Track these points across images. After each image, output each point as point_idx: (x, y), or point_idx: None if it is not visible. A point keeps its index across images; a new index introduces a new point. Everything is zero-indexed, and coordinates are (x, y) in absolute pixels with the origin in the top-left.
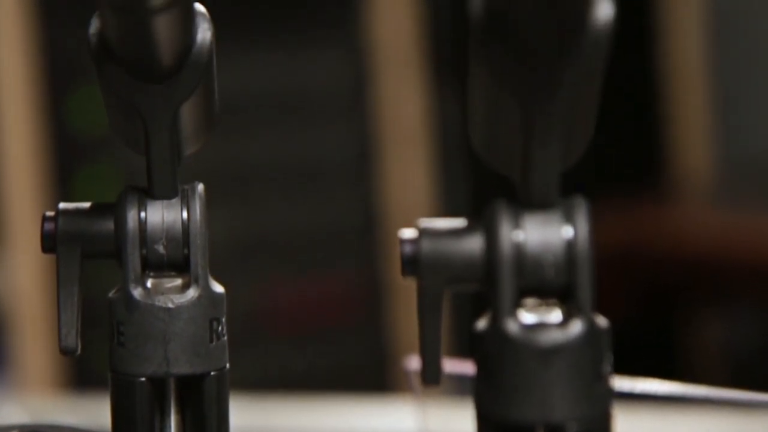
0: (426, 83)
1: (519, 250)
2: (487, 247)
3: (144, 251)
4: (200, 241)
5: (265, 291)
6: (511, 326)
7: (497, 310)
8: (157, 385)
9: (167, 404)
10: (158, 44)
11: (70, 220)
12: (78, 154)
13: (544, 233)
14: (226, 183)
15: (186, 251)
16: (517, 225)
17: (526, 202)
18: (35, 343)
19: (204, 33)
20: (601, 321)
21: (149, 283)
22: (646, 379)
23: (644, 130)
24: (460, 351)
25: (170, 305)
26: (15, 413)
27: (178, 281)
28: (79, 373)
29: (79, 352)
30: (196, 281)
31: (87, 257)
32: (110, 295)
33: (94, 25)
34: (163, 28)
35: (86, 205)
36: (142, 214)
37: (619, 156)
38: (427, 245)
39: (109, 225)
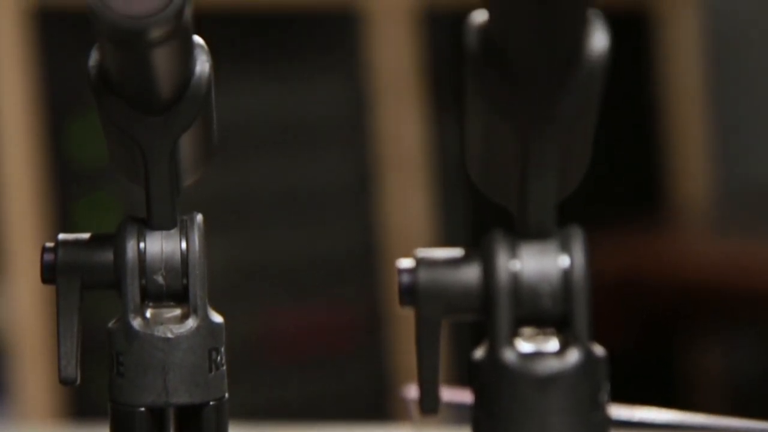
0: (425, 110)
1: (516, 280)
2: (485, 277)
3: (143, 282)
4: (199, 272)
5: (264, 318)
6: (509, 355)
7: (494, 339)
8: (157, 414)
9: None
10: (157, 76)
11: (70, 251)
12: (78, 183)
13: (540, 263)
14: (226, 210)
15: (185, 281)
16: (513, 255)
17: (522, 232)
18: (35, 373)
19: (202, 65)
20: (598, 350)
21: (148, 314)
22: (645, 407)
23: (643, 158)
24: (460, 379)
25: (169, 335)
26: None
27: (177, 311)
28: (79, 403)
29: (78, 382)
30: (195, 311)
31: (87, 288)
32: (110, 325)
33: (94, 57)
34: (162, 60)
35: (86, 235)
36: (141, 245)
37: (618, 183)
38: (424, 275)
39: (109, 256)
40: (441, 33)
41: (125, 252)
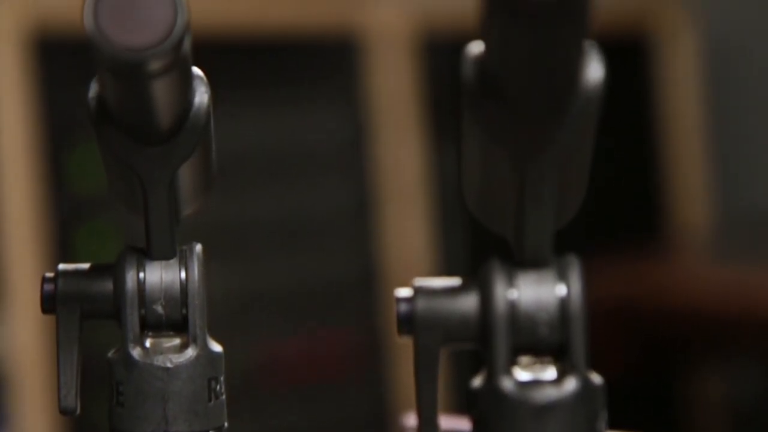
0: (424, 138)
1: (513, 309)
2: (482, 306)
3: (143, 311)
4: (198, 302)
5: (264, 347)
6: (507, 384)
7: (492, 367)
8: None
9: None
10: (157, 108)
11: (70, 281)
12: (77, 211)
13: (538, 292)
14: (226, 238)
15: (184, 311)
16: (511, 284)
17: (520, 261)
18: (35, 403)
19: (201, 96)
20: (596, 378)
21: (148, 343)
22: None
23: (643, 184)
24: (460, 407)
25: (169, 365)
26: None
27: (177, 341)
28: None
29: (78, 411)
30: (195, 341)
31: (86, 318)
32: (109, 355)
33: (93, 89)
34: (161, 92)
35: (85, 266)
36: (141, 275)
37: (618, 210)
38: (422, 304)
39: (108, 286)
40: (440, 61)
41: (125, 282)
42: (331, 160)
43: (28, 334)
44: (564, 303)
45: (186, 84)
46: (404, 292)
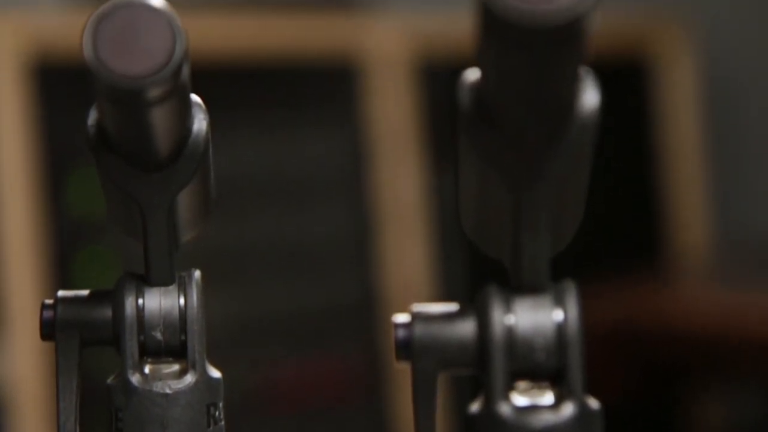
0: (423, 163)
1: (510, 334)
2: (480, 332)
3: (142, 338)
4: (197, 328)
5: (263, 371)
6: (504, 409)
7: (490, 393)
8: None
9: None
10: (155, 135)
11: (69, 307)
12: (77, 237)
13: (535, 317)
14: (225, 263)
15: (183, 337)
16: (508, 309)
17: (517, 286)
18: (34, 429)
19: (200, 123)
20: (593, 403)
21: (147, 369)
22: None
23: (642, 208)
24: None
25: (168, 391)
26: None
27: (176, 367)
28: None
29: None
30: (194, 367)
31: (86, 344)
32: (108, 381)
33: (93, 116)
34: (160, 119)
35: (84, 292)
36: (140, 301)
37: (618, 233)
38: (420, 330)
39: (107, 312)
40: (438, 86)
41: (124, 308)
42: (330, 185)
43: (28, 361)
44: (561, 328)
45: (185, 111)
46: (402, 317)
